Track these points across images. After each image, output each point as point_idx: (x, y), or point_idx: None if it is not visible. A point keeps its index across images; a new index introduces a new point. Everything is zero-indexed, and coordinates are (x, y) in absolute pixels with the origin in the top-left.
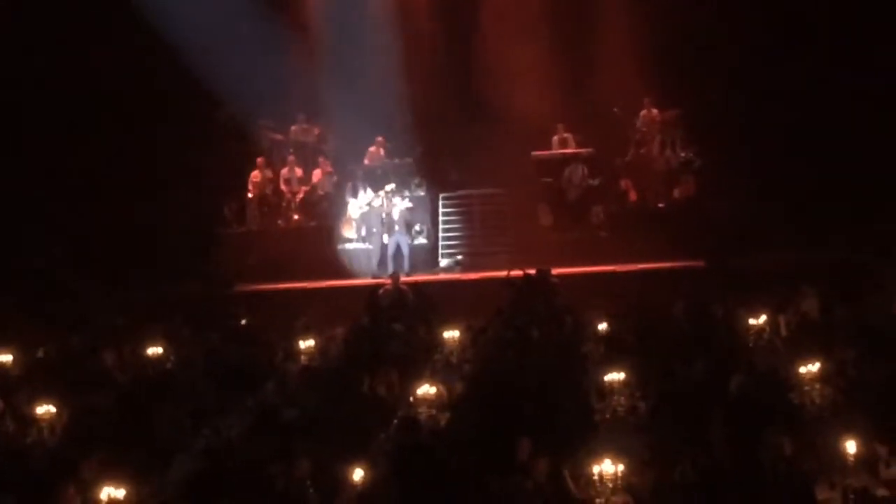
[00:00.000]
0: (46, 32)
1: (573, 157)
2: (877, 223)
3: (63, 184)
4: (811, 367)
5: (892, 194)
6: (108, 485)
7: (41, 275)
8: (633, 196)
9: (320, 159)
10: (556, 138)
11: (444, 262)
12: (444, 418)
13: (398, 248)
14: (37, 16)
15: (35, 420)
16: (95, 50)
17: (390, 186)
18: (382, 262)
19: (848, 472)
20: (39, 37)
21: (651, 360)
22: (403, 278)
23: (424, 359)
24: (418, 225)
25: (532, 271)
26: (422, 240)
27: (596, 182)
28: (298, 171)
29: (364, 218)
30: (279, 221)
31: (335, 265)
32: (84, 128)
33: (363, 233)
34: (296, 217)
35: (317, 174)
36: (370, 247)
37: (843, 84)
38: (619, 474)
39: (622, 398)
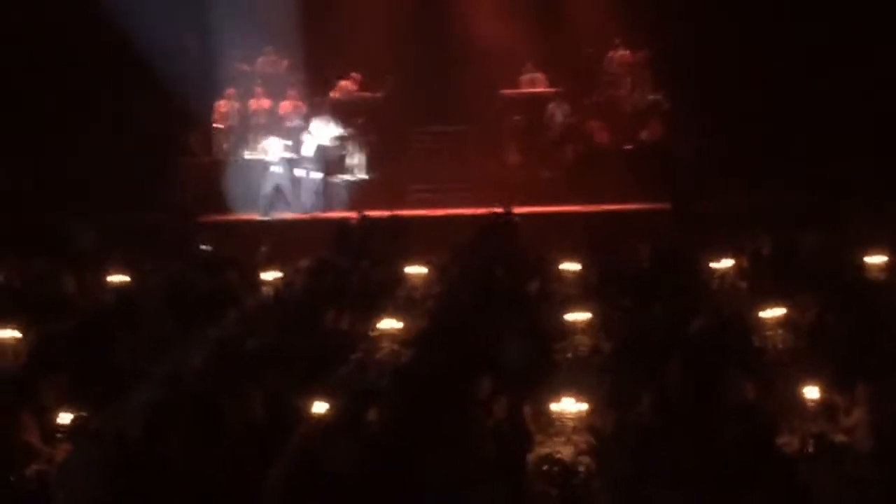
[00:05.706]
0: None
1: (554, 96)
2: (842, 165)
3: (27, 109)
4: (774, 312)
5: (858, 136)
6: (67, 410)
7: (3, 199)
8: (600, 137)
9: (289, 92)
10: (525, 77)
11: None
12: (405, 354)
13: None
14: None
15: None
16: None
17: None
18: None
19: (808, 417)
20: None
21: (614, 302)
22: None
23: (388, 294)
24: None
25: (498, 209)
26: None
27: (575, 120)
28: (266, 103)
29: (319, 153)
30: (245, 152)
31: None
32: (50, 53)
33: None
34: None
35: (285, 106)
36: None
37: (811, 26)
38: (580, 414)
39: (585, 338)
